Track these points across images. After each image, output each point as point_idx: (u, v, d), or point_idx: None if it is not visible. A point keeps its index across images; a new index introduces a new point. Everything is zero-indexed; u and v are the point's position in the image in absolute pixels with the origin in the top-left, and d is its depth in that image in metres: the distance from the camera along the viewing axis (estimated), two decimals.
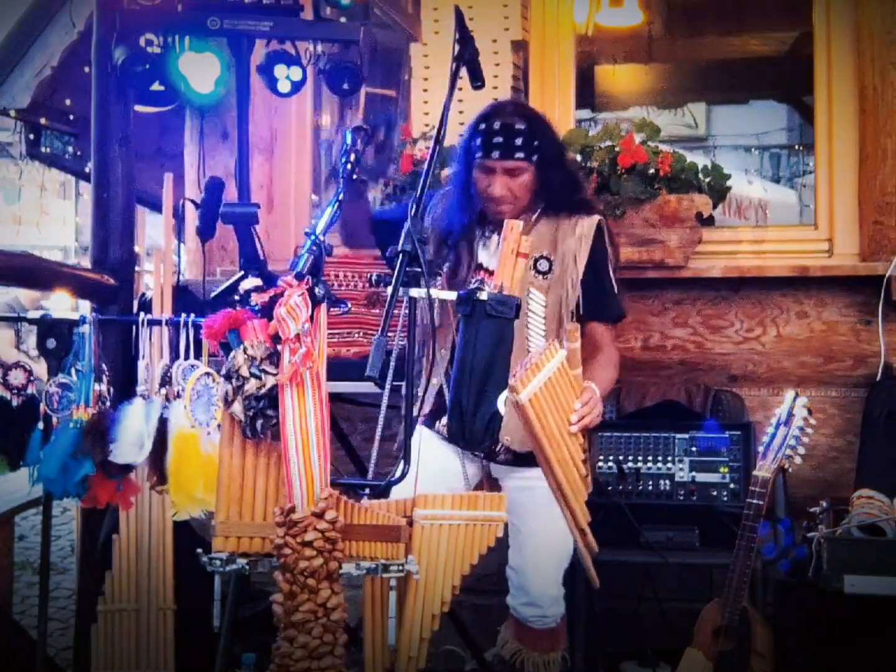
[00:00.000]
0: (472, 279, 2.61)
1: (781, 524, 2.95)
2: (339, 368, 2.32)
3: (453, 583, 1.96)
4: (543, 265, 2.57)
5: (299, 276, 1.92)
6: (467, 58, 2.30)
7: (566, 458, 2.18)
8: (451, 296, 2.13)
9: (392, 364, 2.23)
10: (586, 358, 2.44)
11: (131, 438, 2.47)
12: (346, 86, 3.12)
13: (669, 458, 3.25)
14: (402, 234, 2.07)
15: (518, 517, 2.55)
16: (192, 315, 2.63)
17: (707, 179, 3.68)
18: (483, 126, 2.55)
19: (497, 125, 2.54)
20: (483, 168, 2.57)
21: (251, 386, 1.89)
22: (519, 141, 2.54)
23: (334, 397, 2.30)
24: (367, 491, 2.02)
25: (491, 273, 2.58)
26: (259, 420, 1.91)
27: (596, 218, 2.62)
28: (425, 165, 2.20)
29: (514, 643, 2.73)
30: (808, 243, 3.75)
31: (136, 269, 3.40)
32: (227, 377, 1.92)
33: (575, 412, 2.24)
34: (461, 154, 2.64)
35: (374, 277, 2.51)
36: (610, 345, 2.63)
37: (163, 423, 2.52)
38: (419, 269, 2.04)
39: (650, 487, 3.22)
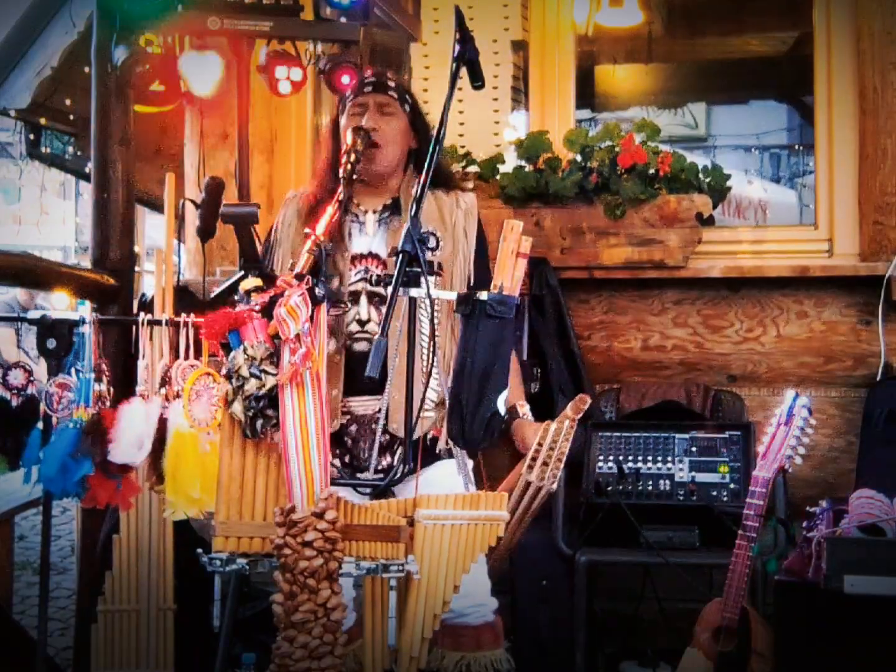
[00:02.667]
0: (353, 268, 2.52)
1: (781, 524, 2.95)
2: None
3: (455, 582, 1.96)
4: (431, 241, 2.46)
5: (299, 276, 1.92)
6: (467, 58, 2.29)
7: None
8: (451, 296, 2.13)
9: (392, 364, 2.24)
10: None
11: (131, 438, 2.47)
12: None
13: (669, 458, 3.25)
14: (402, 234, 2.06)
15: None
16: (192, 315, 2.62)
17: (707, 179, 3.69)
18: (356, 81, 2.64)
19: (369, 73, 2.62)
20: (354, 108, 2.56)
21: (251, 386, 1.89)
22: (391, 83, 2.59)
23: None
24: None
25: (378, 259, 2.51)
26: (259, 420, 1.91)
27: (472, 195, 2.65)
28: (425, 165, 2.20)
29: (454, 653, 2.57)
30: (808, 243, 3.75)
31: (136, 269, 3.40)
32: (227, 377, 1.92)
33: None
34: (331, 123, 2.65)
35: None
36: None
37: (162, 423, 2.51)
38: (419, 269, 2.04)
39: (650, 487, 3.22)
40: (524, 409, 2.55)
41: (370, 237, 2.56)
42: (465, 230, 2.55)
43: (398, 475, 2.03)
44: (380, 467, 2.46)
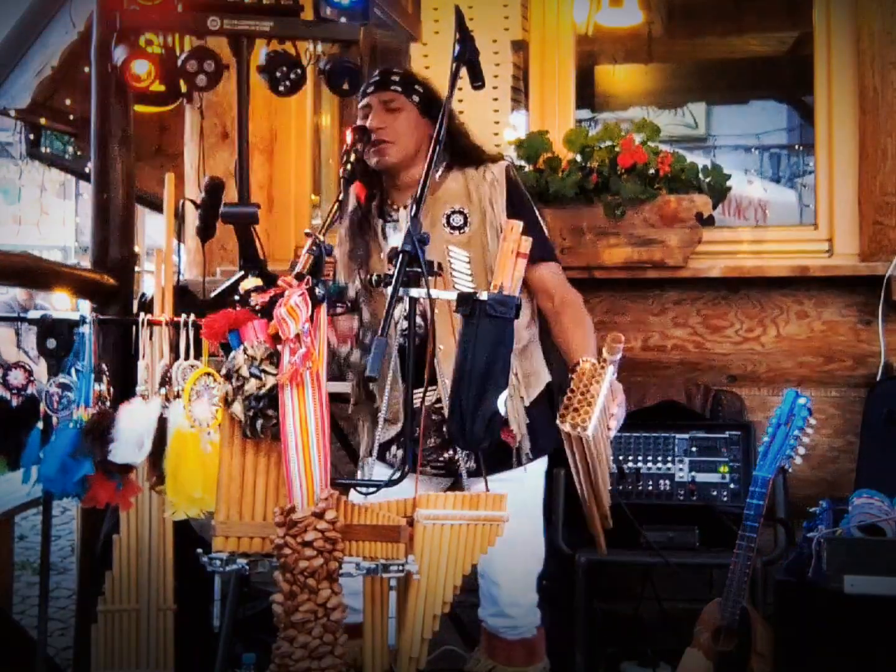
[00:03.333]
0: (391, 268, 2.49)
1: (781, 524, 2.96)
2: None
3: (455, 583, 1.96)
4: (457, 220, 2.50)
5: (299, 276, 1.92)
6: (467, 58, 2.29)
7: (607, 464, 2.22)
8: (451, 296, 2.13)
9: (392, 364, 2.24)
10: (550, 312, 2.46)
11: (131, 438, 2.47)
12: (346, 86, 3.11)
13: (669, 458, 3.25)
14: (402, 234, 2.06)
15: None
16: (192, 315, 2.63)
17: (707, 179, 3.68)
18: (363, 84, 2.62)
19: (375, 72, 2.62)
20: (362, 111, 2.55)
21: (251, 386, 1.89)
22: (395, 77, 2.57)
23: (334, 397, 2.31)
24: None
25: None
26: (259, 420, 1.91)
27: (503, 163, 2.59)
28: (425, 165, 2.20)
29: (487, 660, 2.60)
30: (808, 243, 3.75)
31: (136, 269, 3.41)
32: (227, 377, 1.92)
33: (613, 417, 2.20)
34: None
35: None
36: (568, 287, 2.52)
37: (163, 423, 2.52)
38: (419, 269, 2.04)
39: (650, 487, 3.22)
40: (587, 364, 2.35)
41: (402, 233, 2.53)
42: (491, 200, 2.51)
43: (398, 476, 2.02)
44: (441, 459, 2.49)
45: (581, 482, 2.21)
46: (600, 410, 2.13)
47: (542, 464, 2.59)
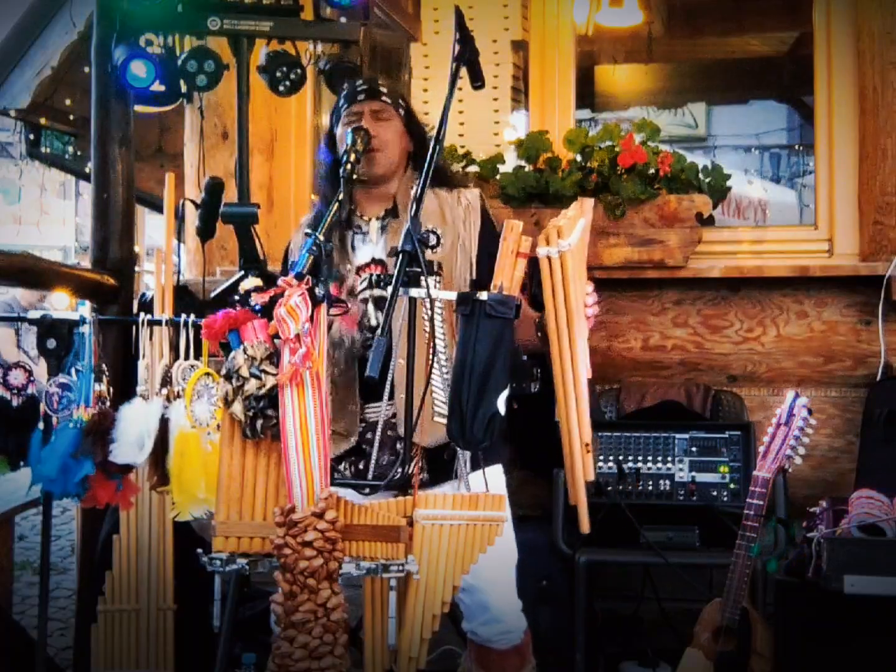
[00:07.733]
0: (358, 278, 2.50)
1: (781, 524, 2.96)
2: None
3: (454, 583, 1.96)
4: (431, 239, 2.45)
5: (299, 276, 1.92)
6: (467, 58, 2.29)
7: (583, 337, 2.02)
8: (451, 296, 2.13)
9: (392, 365, 2.23)
10: None
11: (131, 439, 2.47)
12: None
13: (669, 458, 3.25)
14: (402, 234, 2.06)
15: None
16: (192, 315, 2.62)
17: (707, 179, 3.69)
18: (347, 87, 2.59)
19: (360, 80, 2.60)
20: (349, 117, 2.53)
21: (251, 386, 1.89)
22: (384, 89, 2.57)
23: None
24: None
25: (381, 264, 2.49)
26: (259, 420, 1.91)
27: (476, 190, 2.61)
28: (425, 165, 2.20)
29: (480, 671, 2.58)
30: (808, 243, 3.75)
31: (136, 269, 3.41)
32: (227, 377, 1.92)
33: (589, 295, 2.10)
34: (326, 136, 2.62)
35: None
36: None
37: (164, 424, 2.52)
38: (419, 269, 2.04)
39: (650, 487, 3.22)
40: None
41: (374, 244, 2.54)
42: (465, 223, 2.52)
43: (397, 475, 2.02)
44: (396, 476, 2.34)
45: (559, 364, 1.98)
46: (575, 239, 1.99)
47: (498, 468, 2.55)
